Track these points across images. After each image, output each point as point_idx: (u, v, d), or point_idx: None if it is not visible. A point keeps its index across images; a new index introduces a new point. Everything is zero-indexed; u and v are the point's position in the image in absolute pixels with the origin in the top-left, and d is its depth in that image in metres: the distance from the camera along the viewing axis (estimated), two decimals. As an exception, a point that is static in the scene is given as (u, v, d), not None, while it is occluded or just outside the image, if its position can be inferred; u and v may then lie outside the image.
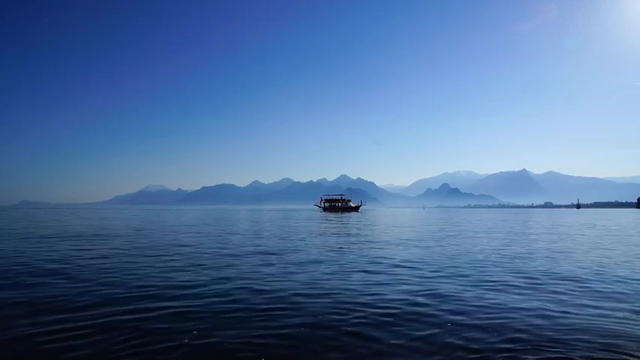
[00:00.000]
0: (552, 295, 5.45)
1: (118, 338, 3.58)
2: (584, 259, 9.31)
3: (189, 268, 7.54)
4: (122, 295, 5.22)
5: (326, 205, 76.36)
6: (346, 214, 49.04)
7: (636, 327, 4.06)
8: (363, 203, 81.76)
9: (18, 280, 6.20)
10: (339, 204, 74.83)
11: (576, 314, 4.49)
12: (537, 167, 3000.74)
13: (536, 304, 4.97)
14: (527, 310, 4.67)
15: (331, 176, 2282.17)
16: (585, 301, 5.11)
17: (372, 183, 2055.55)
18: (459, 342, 3.56)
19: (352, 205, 75.30)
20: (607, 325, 4.10)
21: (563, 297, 5.36)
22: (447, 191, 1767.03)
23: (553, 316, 4.39)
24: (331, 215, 45.36)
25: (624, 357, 3.32)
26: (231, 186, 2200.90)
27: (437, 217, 42.87)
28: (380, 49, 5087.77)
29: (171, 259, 8.67)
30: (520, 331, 3.88)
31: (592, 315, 4.46)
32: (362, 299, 5.09)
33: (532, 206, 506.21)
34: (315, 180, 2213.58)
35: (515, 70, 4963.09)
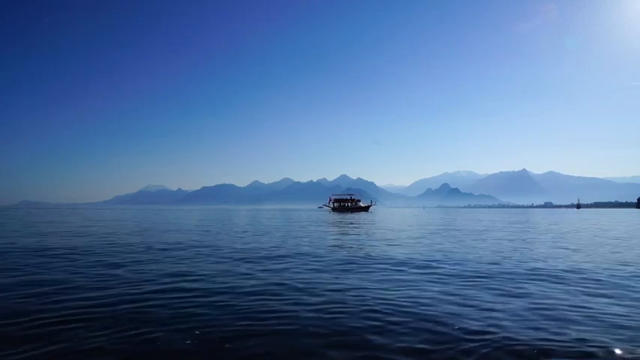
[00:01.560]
0: None
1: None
2: None
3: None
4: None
5: (335, 205, 74.66)
6: (356, 215, 47.23)
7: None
8: (373, 203, 79.05)
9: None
10: (349, 204, 73.39)
11: None
12: (537, 167, 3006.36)
13: None
14: None
15: (331, 176, 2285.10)
16: None
17: (372, 183, 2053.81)
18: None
19: (362, 205, 73.74)
20: None
21: None
22: (447, 191, 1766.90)
23: None
24: (342, 216, 42.69)
25: None
26: (231, 186, 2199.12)
27: (454, 218, 38.46)
28: (380, 49, 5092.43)
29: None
30: None
31: None
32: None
33: (532, 206, 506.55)
34: (315, 180, 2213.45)
35: (515, 70, 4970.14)
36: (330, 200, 76.43)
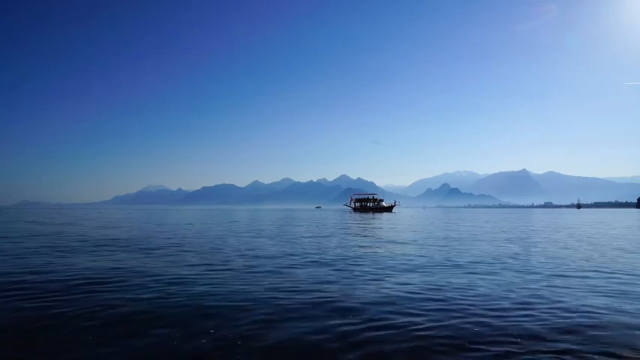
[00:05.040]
0: None
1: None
2: None
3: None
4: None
5: (356, 204, 72.90)
6: (379, 217, 42.62)
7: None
8: (397, 203, 74.02)
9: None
10: (371, 204, 71.23)
11: None
12: (537, 167, 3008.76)
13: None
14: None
15: (331, 176, 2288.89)
16: None
17: (372, 183, 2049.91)
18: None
19: (385, 205, 70.82)
20: None
21: None
22: (447, 191, 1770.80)
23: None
24: (370, 219, 36.67)
25: None
26: (231, 186, 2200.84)
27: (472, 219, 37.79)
28: (379, 49, 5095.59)
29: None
30: None
31: None
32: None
33: (532, 206, 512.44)
34: (315, 180, 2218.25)
35: (516, 70, 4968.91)
36: (352, 200, 75.74)
